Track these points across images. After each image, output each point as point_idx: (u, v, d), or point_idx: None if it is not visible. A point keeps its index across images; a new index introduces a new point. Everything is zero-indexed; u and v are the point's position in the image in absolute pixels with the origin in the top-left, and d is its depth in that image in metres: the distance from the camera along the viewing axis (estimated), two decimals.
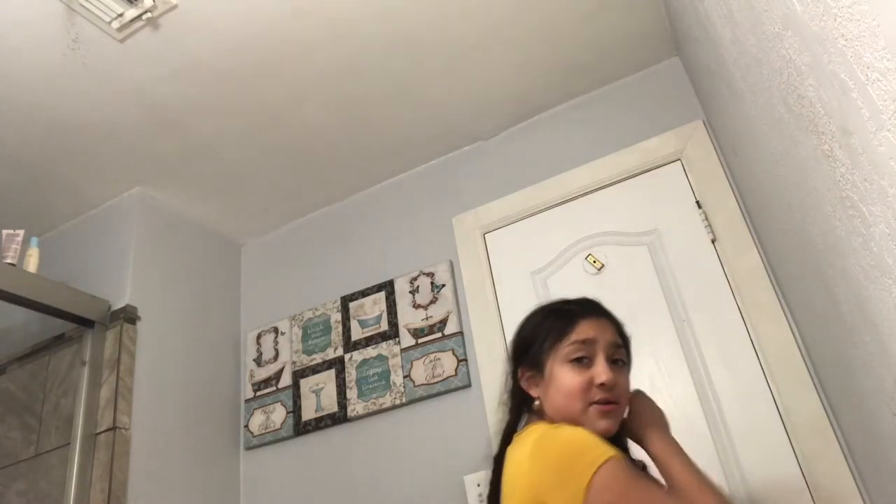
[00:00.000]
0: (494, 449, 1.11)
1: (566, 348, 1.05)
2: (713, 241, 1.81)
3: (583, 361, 1.04)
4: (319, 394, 2.19)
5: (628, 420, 1.08)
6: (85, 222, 2.33)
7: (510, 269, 2.07)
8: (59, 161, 2.09)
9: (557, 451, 0.95)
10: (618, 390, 1.04)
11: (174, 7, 1.65)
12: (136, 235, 2.17)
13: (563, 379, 1.04)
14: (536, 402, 1.08)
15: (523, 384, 1.11)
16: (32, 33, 1.66)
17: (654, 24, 1.96)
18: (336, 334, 2.26)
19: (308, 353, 2.29)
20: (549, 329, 1.09)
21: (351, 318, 2.26)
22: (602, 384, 1.02)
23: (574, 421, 1.01)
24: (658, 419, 1.08)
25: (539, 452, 0.96)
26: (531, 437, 1.00)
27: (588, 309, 1.11)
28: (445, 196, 2.30)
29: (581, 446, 0.93)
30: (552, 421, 1.04)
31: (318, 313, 2.34)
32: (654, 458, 1.02)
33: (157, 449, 1.95)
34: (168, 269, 2.25)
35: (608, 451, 0.91)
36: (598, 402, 1.02)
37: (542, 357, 1.08)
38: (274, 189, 2.40)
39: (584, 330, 1.06)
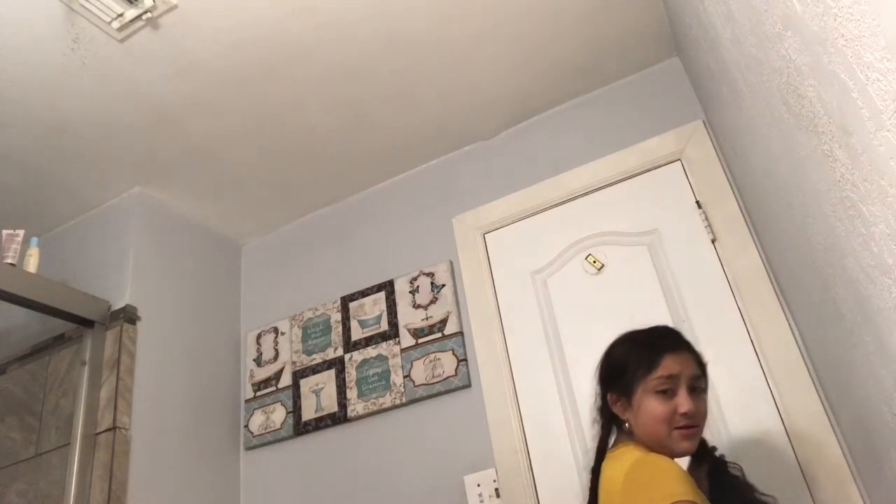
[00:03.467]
0: (591, 462, 1.24)
1: (652, 381, 1.18)
2: (713, 241, 1.81)
3: (667, 393, 1.17)
4: (319, 394, 2.19)
5: None
6: (85, 222, 2.33)
7: (510, 269, 2.07)
8: (59, 161, 2.09)
9: (647, 474, 1.08)
10: (698, 416, 1.18)
11: (174, 7, 1.65)
12: (136, 235, 2.17)
13: (650, 408, 1.17)
14: (626, 425, 1.21)
15: (614, 408, 1.23)
16: (32, 33, 1.66)
17: (654, 24, 1.96)
18: (336, 334, 2.26)
19: (308, 353, 2.29)
20: (637, 362, 1.21)
21: (351, 318, 2.26)
22: (684, 413, 1.15)
23: (660, 443, 1.15)
24: None
25: (632, 478, 1.08)
26: (626, 459, 1.12)
27: (671, 343, 1.23)
28: (445, 196, 2.30)
29: (667, 477, 1.05)
30: (640, 440, 1.17)
31: (318, 313, 2.34)
32: None
33: (157, 449, 1.95)
34: (168, 269, 2.24)
35: (688, 493, 1.01)
36: (680, 427, 1.16)
37: (630, 387, 1.20)
38: (274, 189, 2.40)
39: (669, 365, 1.18)
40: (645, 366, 1.19)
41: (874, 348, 0.88)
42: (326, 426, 2.14)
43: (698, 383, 1.21)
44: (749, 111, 1.22)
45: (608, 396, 1.25)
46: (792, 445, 1.54)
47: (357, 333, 2.22)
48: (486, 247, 2.15)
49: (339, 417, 2.12)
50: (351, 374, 2.16)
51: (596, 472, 1.21)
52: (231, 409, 2.30)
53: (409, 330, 2.13)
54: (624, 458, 1.13)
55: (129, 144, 2.07)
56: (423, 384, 2.03)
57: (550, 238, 2.05)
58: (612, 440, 1.25)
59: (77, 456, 1.80)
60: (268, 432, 2.22)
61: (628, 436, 1.21)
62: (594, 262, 1.95)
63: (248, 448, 2.25)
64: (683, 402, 1.16)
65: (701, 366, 1.23)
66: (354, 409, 2.10)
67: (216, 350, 2.33)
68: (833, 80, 0.67)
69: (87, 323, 1.99)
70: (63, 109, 1.90)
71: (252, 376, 2.35)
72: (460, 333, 2.05)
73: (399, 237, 2.33)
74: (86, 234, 2.30)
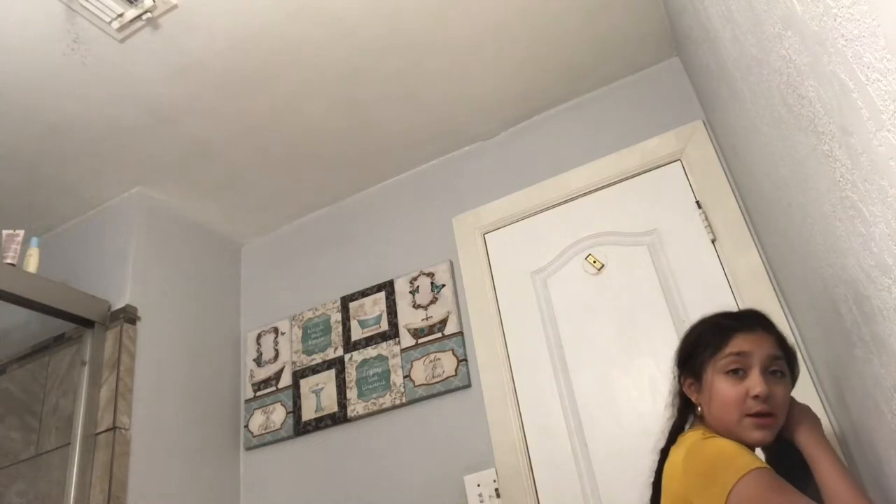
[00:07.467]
0: (661, 443, 1.18)
1: (722, 360, 1.10)
2: (713, 241, 1.81)
3: (738, 373, 1.09)
4: (319, 394, 2.19)
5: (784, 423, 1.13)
6: (85, 222, 2.34)
7: (510, 269, 2.07)
8: (59, 161, 2.09)
9: (705, 458, 1.02)
10: (773, 402, 1.07)
11: (174, 7, 1.65)
12: (136, 235, 2.17)
13: (719, 390, 1.09)
14: (699, 409, 1.15)
15: (686, 391, 1.18)
16: (32, 33, 1.66)
17: (654, 24, 1.96)
18: (336, 334, 2.26)
19: (308, 353, 2.29)
20: (707, 341, 1.14)
21: (351, 318, 2.26)
22: (756, 396, 1.06)
23: (729, 430, 1.07)
24: (810, 419, 1.12)
25: (690, 460, 1.03)
26: (686, 443, 1.08)
27: (747, 323, 1.14)
28: (445, 196, 2.30)
29: (727, 456, 0.99)
30: (711, 427, 1.10)
31: (318, 313, 2.34)
32: (806, 458, 1.06)
33: (157, 449, 1.95)
34: (168, 269, 2.25)
35: (753, 461, 0.96)
36: (753, 415, 1.06)
37: (701, 367, 1.14)
38: (274, 189, 2.40)
39: (740, 343, 1.10)
40: (714, 344, 1.12)
41: (874, 348, 0.88)
42: (326, 426, 2.14)
43: (776, 366, 1.10)
44: (749, 111, 1.22)
45: (681, 379, 1.19)
46: None
47: (357, 333, 2.22)
48: (486, 247, 2.15)
49: (339, 417, 2.12)
50: (351, 374, 2.16)
51: (664, 454, 1.15)
52: (231, 409, 2.30)
53: (409, 330, 2.13)
54: (684, 444, 1.08)
55: (129, 144, 2.07)
56: (423, 384, 2.03)
57: (550, 238, 2.05)
58: (688, 425, 1.19)
59: (77, 456, 1.80)
60: (268, 432, 2.22)
61: (700, 421, 1.14)
62: (594, 262, 1.95)
63: (248, 448, 2.25)
64: (756, 383, 1.05)
65: (784, 348, 1.13)
66: (354, 409, 2.10)
67: (216, 350, 2.33)
68: (833, 80, 0.67)
69: (87, 323, 1.99)
70: (63, 109, 1.90)
71: (252, 376, 2.35)
72: (460, 333, 2.05)
73: (399, 237, 2.33)
74: (86, 234, 2.30)
